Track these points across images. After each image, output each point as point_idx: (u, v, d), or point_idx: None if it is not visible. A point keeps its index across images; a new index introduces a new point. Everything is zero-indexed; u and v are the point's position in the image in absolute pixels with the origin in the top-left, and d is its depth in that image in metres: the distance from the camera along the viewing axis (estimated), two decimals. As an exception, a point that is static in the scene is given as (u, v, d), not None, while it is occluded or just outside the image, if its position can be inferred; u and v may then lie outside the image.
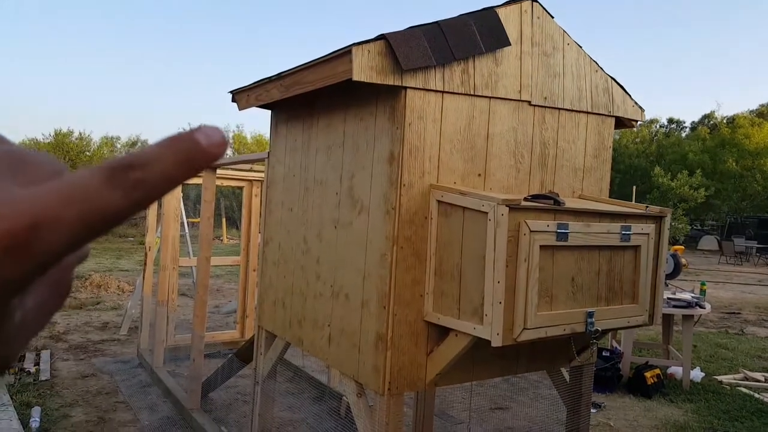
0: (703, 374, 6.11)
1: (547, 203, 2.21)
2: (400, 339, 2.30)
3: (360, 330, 2.44)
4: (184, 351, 6.12)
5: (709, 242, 24.61)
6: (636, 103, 3.15)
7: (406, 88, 2.30)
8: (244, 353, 4.19)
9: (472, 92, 2.47)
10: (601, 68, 2.99)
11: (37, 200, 0.22)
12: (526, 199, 2.20)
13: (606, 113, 2.99)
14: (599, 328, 2.30)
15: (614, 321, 2.43)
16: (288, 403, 4.86)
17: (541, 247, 2.15)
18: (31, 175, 0.25)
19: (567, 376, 2.99)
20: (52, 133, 22.62)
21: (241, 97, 3.11)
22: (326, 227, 2.73)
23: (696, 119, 31.92)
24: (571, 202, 2.41)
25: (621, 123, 3.16)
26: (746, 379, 6.19)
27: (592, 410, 4.77)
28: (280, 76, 2.69)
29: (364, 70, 2.18)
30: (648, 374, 5.56)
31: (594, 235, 2.33)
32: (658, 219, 2.61)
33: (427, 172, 2.37)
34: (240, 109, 3.18)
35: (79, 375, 5.58)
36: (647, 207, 2.62)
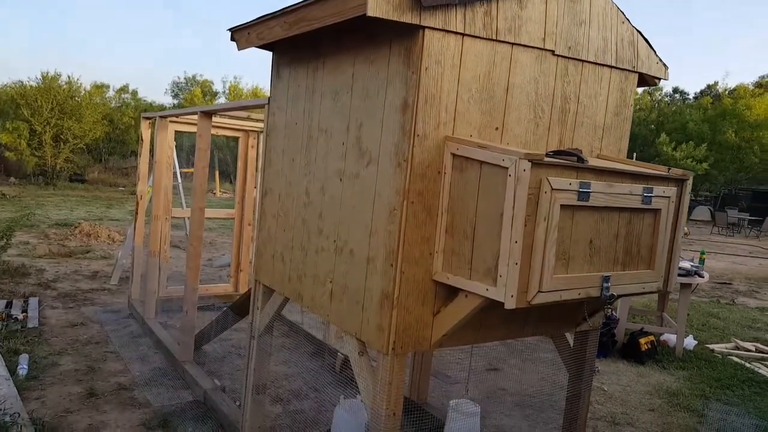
0: (695, 342, 6.12)
1: (571, 160, 2.07)
2: (406, 298, 2.19)
3: (364, 287, 2.32)
4: (176, 303, 6.04)
5: (702, 212, 24.69)
6: (660, 60, 2.98)
7: (424, 28, 2.11)
8: (239, 307, 4.10)
9: (494, 37, 2.29)
10: (628, 19, 2.80)
11: None
12: (548, 155, 2.05)
13: (630, 68, 2.82)
14: (615, 293, 2.20)
15: (629, 286, 2.32)
16: (283, 358, 4.80)
17: (562, 206, 2.02)
18: None
19: (571, 341, 2.91)
20: (39, 77, 21.93)
21: (241, 35, 2.91)
22: (331, 179, 2.58)
23: (699, 90, 31.61)
24: (593, 161, 2.27)
25: (643, 80, 2.99)
26: (738, 348, 6.21)
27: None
28: (283, 12, 2.49)
29: (379, 4, 1.99)
30: (642, 341, 5.55)
31: (616, 196, 2.20)
32: (680, 182, 2.48)
33: (442, 123, 2.21)
34: (239, 49, 2.97)
35: (68, 323, 5.49)
36: (669, 169, 2.48)
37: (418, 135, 2.15)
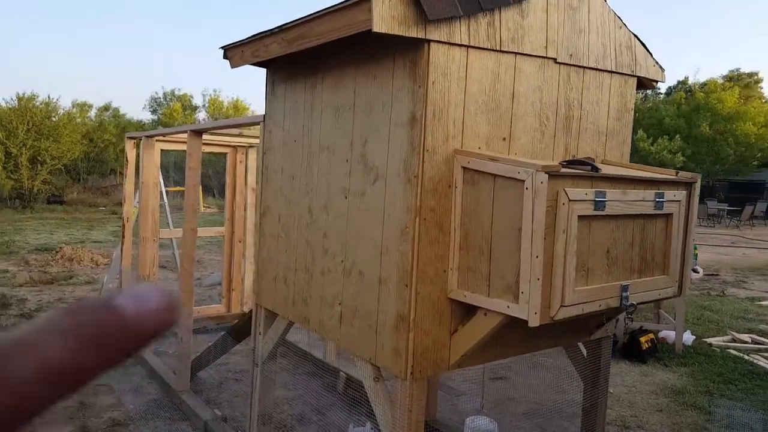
0: (693, 337, 6.14)
1: (585, 169, 2.03)
2: (423, 319, 2.12)
3: (377, 310, 2.25)
4: (168, 326, 5.90)
5: (681, 205, 24.97)
6: (657, 62, 2.97)
7: (429, 41, 2.06)
8: (238, 331, 3.99)
9: (497, 47, 2.25)
10: (624, 24, 2.78)
11: None
12: (562, 165, 2.01)
13: (629, 73, 2.80)
14: (634, 302, 2.16)
15: (646, 294, 2.29)
16: (282, 380, 4.69)
17: (579, 217, 1.97)
18: None
19: (584, 350, 2.87)
20: (14, 98, 21.50)
21: (235, 53, 2.83)
22: (335, 197, 2.51)
23: (672, 85, 32.06)
24: (605, 168, 2.24)
25: (641, 84, 2.98)
26: (734, 341, 6.25)
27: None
28: (281, 29, 2.42)
29: (385, 20, 1.94)
30: (642, 339, 5.54)
31: (630, 204, 2.16)
32: (689, 185, 2.46)
33: (451, 136, 2.15)
34: (233, 67, 2.89)
35: (57, 353, 5.31)
36: (678, 173, 2.46)
37: (427, 150, 2.09)
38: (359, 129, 2.37)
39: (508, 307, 1.94)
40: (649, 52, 2.92)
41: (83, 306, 0.18)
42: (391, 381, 2.23)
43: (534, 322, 1.87)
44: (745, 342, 6.18)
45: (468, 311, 2.18)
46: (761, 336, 6.42)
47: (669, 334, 5.99)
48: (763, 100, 27.41)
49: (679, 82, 31.58)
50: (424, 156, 2.08)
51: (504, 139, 2.32)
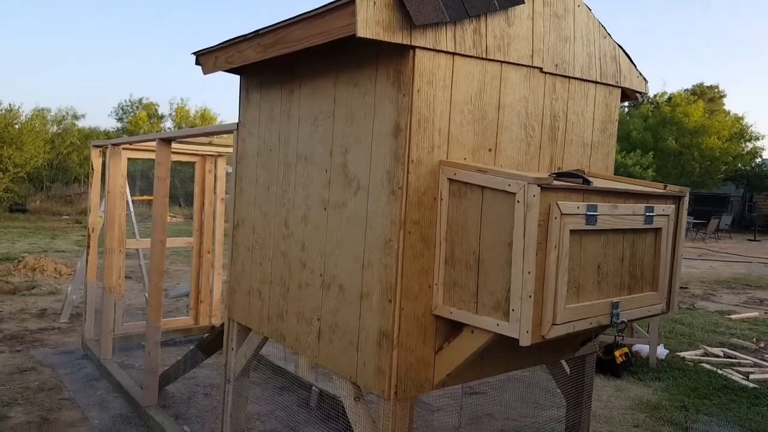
0: (666, 351, 6.16)
1: (576, 182, 1.96)
2: (407, 336, 2.02)
3: (359, 326, 2.13)
4: (134, 340, 5.66)
5: (649, 218, 25.45)
6: (641, 73, 2.95)
7: (414, 47, 1.97)
8: (209, 345, 3.82)
9: (483, 55, 2.18)
10: (609, 34, 2.75)
11: None
12: (554, 177, 1.94)
13: (614, 83, 2.76)
14: (625, 320, 2.09)
15: (636, 311, 2.22)
16: (253, 395, 4.52)
17: (571, 231, 1.90)
18: None
19: (567, 367, 2.80)
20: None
21: (208, 59, 2.70)
22: (313, 208, 2.39)
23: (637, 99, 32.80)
24: (594, 181, 2.18)
25: (624, 95, 2.95)
26: (707, 354, 6.29)
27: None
28: (257, 34, 2.30)
29: (369, 24, 1.85)
30: (617, 353, 5.52)
31: (621, 218, 2.10)
32: (677, 199, 2.42)
33: (436, 146, 2.06)
34: (205, 73, 2.77)
35: (16, 369, 5.04)
36: (666, 186, 2.42)
37: (412, 160, 2.00)
38: (339, 138, 2.27)
39: (498, 325, 1.85)
40: (633, 63, 2.90)
41: None
42: (374, 401, 2.12)
43: (526, 341, 1.78)
44: (718, 356, 6.23)
45: (453, 328, 2.08)
46: (732, 350, 6.48)
47: (643, 348, 5.99)
48: (726, 115, 28.20)
49: (643, 96, 32.35)
50: (409, 167, 1.99)
51: (490, 150, 2.24)
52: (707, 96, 29.89)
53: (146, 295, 7.00)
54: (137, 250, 6.65)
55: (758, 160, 28.47)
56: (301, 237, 2.46)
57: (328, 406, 4.16)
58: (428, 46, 2.00)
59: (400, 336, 2.00)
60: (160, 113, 30.81)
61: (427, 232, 2.06)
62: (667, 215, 2.33)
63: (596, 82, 2.69)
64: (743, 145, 27.29)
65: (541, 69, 2.41)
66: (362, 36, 1.84)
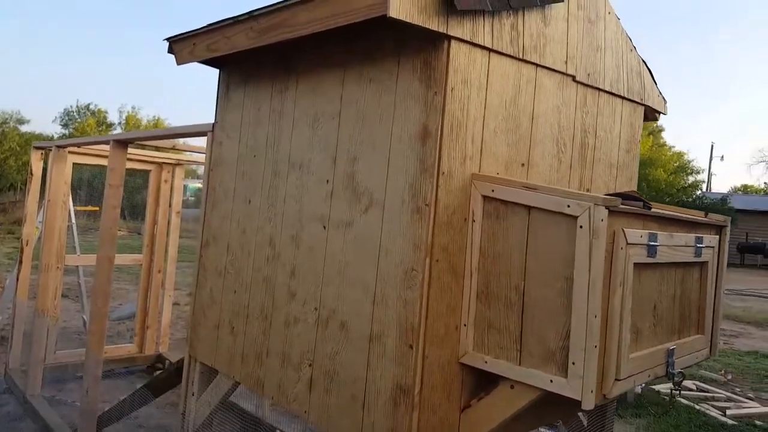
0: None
1: (637, 205, 1.65)
2: (431, 392, 1.63)
3: (366, 376, 1.73)
4: (68, 371, 5.00)
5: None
6: (660, 93, 2.71)
7: (450, 38, 1.63)
8: (158, 385, 3.29)
9: (520, 55, 1.86)
10: (635, 47, 2.50)
11: None
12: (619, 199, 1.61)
13: (638, 101, 2.51)
14: (682, 371, 1.78)
15: (686, 358, 1.92)
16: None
17: (635, 265, 1.58)
18: None
19: (584, 420, 2.48)
20: None
21: (184, 46, 2.28)
22: (308, 227, 1.99)
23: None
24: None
25: (644, 115, 2.70)
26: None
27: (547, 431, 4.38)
28: (252, 15, 1.91)
29: (404, 5, 1.49)
30: (595, 388, 5.29)
31: (676, 249, 1.80)
32: (719, 229, 2.15)
33: (468, 157, 1.72)
34: (179, 63, 2.34)
35: None
36: (707, 214, 2.14)
37: (443, 172, 1.64)
38: (346, 143, 1.89)
39: (552, 381, 1.49)
40: (655, 81, 2.66)
41: None
42: (381, 470, 1.71)
43: (589, 403, 1.43)
44: (691, 389, 6.09)
45: (483, 381, 1.71)
46: (703, 382, 6.37)
47: (618, 381, 5.79)
48: (669, 150, 29.35)
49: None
50: (439, 179, 1.63)
51: (523, 164, 1.91)
52: (647, 129, 31.08)
53: (84, 317, 6.31)
54: (78, 267, 6.01)
55: (698, 192, 29.71)
56: (291, 260, 2.05)
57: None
58: (465, 38, 1.67)
59: (423, 391, 1.61)
60: (108, 121, 29.41)
61: (456, 261, 1.69)
62: (713, 247, 2.05)
63: (623, 98, 2.42)
64: (685, 178, 28.41)
65: (574, 77, 2.11)
66: (394, 17, 1.48)
